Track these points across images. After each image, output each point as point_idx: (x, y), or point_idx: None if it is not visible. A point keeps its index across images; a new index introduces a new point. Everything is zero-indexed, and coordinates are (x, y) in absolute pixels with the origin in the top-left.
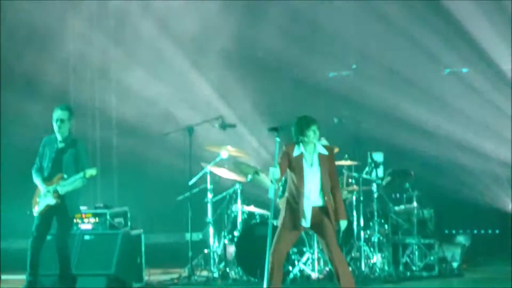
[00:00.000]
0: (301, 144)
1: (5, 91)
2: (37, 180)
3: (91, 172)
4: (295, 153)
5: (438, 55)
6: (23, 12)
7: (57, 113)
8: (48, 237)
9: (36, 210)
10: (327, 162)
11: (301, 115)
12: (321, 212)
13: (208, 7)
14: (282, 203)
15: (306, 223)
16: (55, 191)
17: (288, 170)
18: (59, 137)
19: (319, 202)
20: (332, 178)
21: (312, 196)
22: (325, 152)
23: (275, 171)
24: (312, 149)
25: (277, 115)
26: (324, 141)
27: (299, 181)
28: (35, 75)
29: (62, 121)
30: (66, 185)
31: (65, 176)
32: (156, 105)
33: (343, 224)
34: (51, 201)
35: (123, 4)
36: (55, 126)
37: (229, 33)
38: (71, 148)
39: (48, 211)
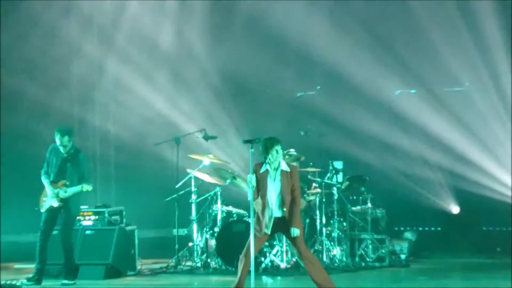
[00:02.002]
0: (267, 162)
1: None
2: (45, 182)
3: (87, 187)
4: (262, 170)
5: (391, 77)
6: (34, 38)
7: (58, 138)
8: (54, 232)
9: (43, 207)
10: (289, 178)
11: (267, 136)
12: (281, 221)
13: (192, 33)
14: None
15: (268, 231)
16: (58, 195)
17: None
18: (62, 151)
19: (278, 214)
20: (293, 192)
21: (274, 207)
22: (287, 169)
23: (252, 178)
24: (276, 166)
25: (251, 129)
26: (292, 151)
27: (263, 194)
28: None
29: (63, 144)
30: (68, 192)
31: (68, 183)
32: (148, 120)
33: (295, 231)
34: (55, 202)
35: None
36: (59, 145)
37: (211, 59)
38: (73, 158)
39: (53, 209)
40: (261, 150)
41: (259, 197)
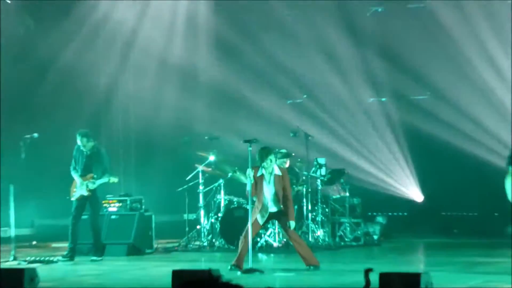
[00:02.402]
0: (262, 167)
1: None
2: (75, 176)
3: (114, 179)
4: (258, 173)
5: (364, 86)
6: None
7: (78, 139)
8: (84, 217)
9: (74, 196)
10: (281, 180)
11: (263, 146)
12: (276, 214)
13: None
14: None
15: (261, 222)
16: (87, 186)
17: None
18: (84, 150)
19: (274, 209)
20: (285, 190)
21: (269, 204)
22: (279, 173)
23: (250, 172)
24: (270, 171)
25: (249, 131)
26: (284, 150)
27: (259, 194)
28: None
29: (83, 144)
30: (96, 184)
31: (95, 176)
32: (165, 123)
33: (292, 224)
34: (85, 192)
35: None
36: (80, 145)
37: (212, 73)
38: (95, 155)
39: (83, 198)
40: (258, 158)
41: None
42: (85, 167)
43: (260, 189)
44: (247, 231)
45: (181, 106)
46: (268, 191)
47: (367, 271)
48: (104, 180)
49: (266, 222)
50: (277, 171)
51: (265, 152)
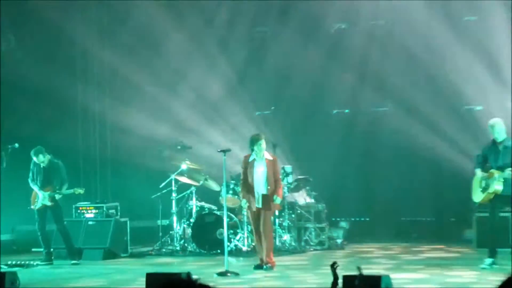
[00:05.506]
0: (254, 153)
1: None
2: (34, 187)
3: (79, 190)
4: (250, 159)
5: (329, 96)
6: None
7: (34, 158)
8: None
9: (36, 206)
10: (271, 165)
11: (253, 133)
12: (265, 197)
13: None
14: (242, 195)
15: (259, 205)
16: (52, 197)
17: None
18: (41, 164)
19: (264, 191)
20: (275, 175)
21: (260, 187)
22: (270, 158)
23: (244, 203)
24: (261, 156)
25: (222, 140)
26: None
27: (251, 178)
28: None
29: (40, 161)
30: (61, 194)
31: (57, 186)
32: (137, 134)
33: (277, 199)
34: (48, 202)
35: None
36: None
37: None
38: (52, 168)
39: (45, 207)
40: (249, 144)
41: (244, 186)
42: (44, 179)
43: (252, 173)
44: (256, 232)
45: (156, 118)
46: (260, 174)
47: (334, 266)
48: (69, 191)
49: (262, 205)
50: (268, 156)
51: (255, 138)
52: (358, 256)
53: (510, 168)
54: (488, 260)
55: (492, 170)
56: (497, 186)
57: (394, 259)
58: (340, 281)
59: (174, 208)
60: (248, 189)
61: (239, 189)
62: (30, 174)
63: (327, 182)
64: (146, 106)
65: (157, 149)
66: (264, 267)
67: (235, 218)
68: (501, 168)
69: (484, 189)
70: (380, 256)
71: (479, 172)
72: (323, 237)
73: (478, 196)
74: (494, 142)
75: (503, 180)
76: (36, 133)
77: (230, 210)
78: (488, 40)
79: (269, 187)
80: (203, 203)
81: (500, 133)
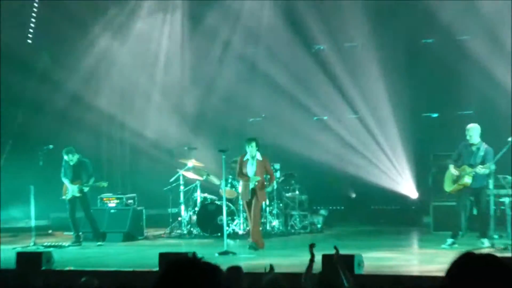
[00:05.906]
0: (247, 153)
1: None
2: (65, 181)
3: (103, 184)
4: (244, 158)
5: (310, 106)
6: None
7: (64, 155)
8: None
9: (66, 196)
10: (262, 164)
11: (248, 137)
12: (254, 190)
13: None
14: (240, 187)
15: (250, 196)
16: (80, 189)
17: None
18: (70, 162)
19: (253, 186)
20: (268, 172)
21: (251, 182)
22: (260, 158)
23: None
24: (254, 156)
25: (221, 143)
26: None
27: (245, 174)
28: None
29: (69, 159)
30: (88, 187)
31: (84, 181)
32: (152, 136)
33: (269, 188)
34: (77, 194)
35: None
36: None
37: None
38: (81, 165)
39: (74, 198)
40: (245, 146)
41: (240, 180)
42: (74, 174)
43: (245, 170)
44: (252, 218)
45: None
46: (251, 171)
47: (311, 246)
48: (95, 184)
49: (251, 199)
50: (259, 157)
51: (249, 140)
52: (335, 238)
53: (481, 166)
54: (449, 240)
55: (464, 166)
56: (467, 180)
57: (365, 241)
58: (319, 258)
59: (182, 199)
60: (243, 179)
61: (236, 183)
62: (62, 170)
63: (309, 176)
64: (158, 114)
65: (168, 150)
66: (249, 244)
67: (233, 207)
68: (472, 166)
69: (455, 181)
70: (353, 239)
71: (452, 167)
72: (306, 222)
73: (449, 187)
74: (469, 144)
75: (473, 175)
76: (67, 136)
77: (229, 200)
78: None
79: (256, 183)
80: (206, 195)
81: (473, 137)
